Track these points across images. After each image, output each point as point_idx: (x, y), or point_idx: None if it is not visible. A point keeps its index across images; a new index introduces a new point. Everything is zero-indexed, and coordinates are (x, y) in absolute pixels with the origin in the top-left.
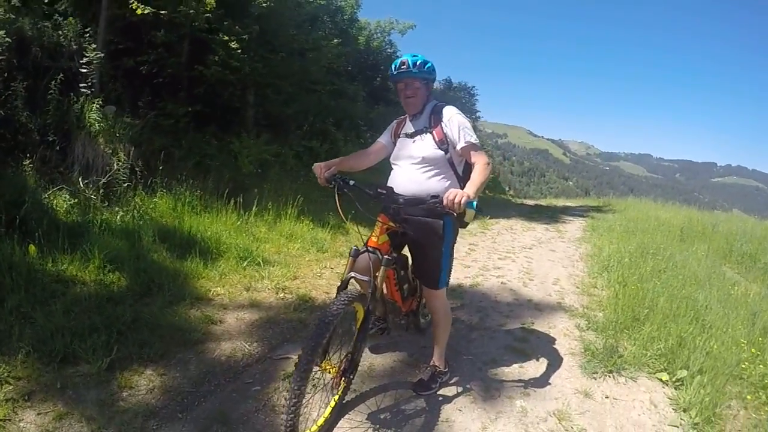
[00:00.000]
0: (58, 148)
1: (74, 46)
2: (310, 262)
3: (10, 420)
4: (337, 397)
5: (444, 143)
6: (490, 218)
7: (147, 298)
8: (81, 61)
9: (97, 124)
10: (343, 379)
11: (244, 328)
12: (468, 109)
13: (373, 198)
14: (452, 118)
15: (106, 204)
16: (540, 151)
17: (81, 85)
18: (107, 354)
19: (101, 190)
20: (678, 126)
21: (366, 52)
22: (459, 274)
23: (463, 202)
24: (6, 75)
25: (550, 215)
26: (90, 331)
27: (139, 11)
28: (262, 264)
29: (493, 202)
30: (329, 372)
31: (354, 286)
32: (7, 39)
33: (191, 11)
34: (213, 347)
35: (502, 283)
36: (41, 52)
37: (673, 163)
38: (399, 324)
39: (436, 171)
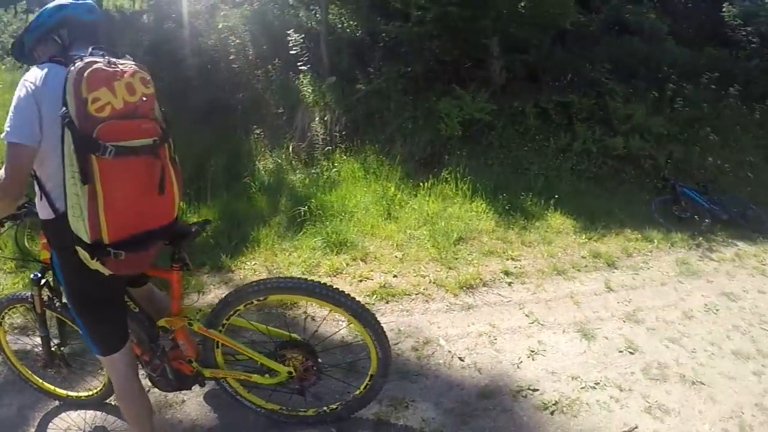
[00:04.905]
0: (284, 118)
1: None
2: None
3: None
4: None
5: None
6: None
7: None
8: (290, 44)
9: (311, 97)
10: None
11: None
12: None
13: None
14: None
15: (300, 166)
16: None
17: (298, 64)
18: None
19: (303, 154)
20: None
21: None
22: (577, 368)
23: None
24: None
25: None
26: None
27: None
28: (340, 247)
29: None
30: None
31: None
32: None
33: None
34: None
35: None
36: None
37: None
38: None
39: None
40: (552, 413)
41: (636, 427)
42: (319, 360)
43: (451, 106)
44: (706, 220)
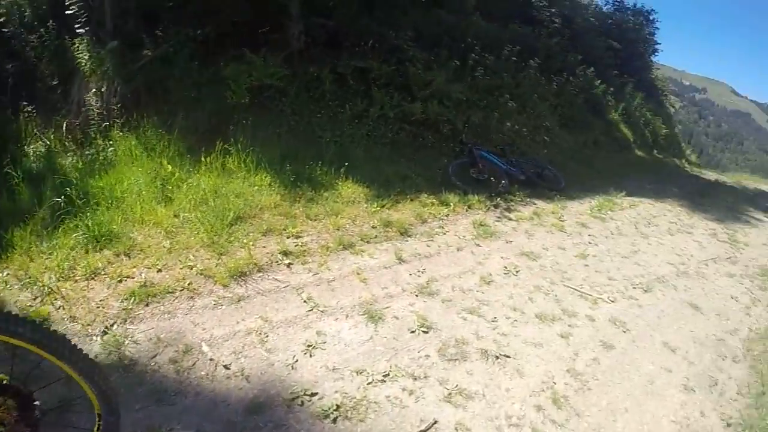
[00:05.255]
0: (59, 92)
1: None
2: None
3: None
4: None
5: None
6: (624, 195)
7: None
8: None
9: (87, 65)
10: None
11: None
12: (644, 38)
13: None
14: None
15: (74, 147)
16: (741, 114)
17: (75, 26)
18: None
19: (78, 133)
20: None
21: None
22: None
23: None
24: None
25: (729, 204)
26: None
27: None
28: (102, 241)
29: (656, 167)
30: None
31: None
32: None
33: None
34: None
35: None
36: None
37: None
38: None
39: None
40: (334, 420)
41: (435, 423)
42: (36, 402)
43: (240, 71)
44: (504, 182)
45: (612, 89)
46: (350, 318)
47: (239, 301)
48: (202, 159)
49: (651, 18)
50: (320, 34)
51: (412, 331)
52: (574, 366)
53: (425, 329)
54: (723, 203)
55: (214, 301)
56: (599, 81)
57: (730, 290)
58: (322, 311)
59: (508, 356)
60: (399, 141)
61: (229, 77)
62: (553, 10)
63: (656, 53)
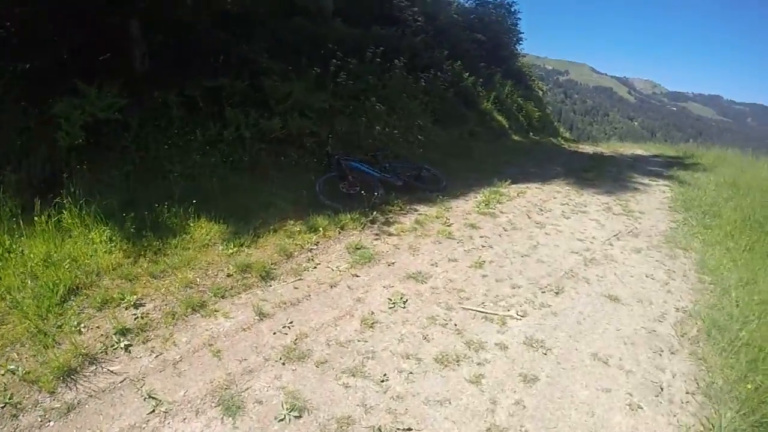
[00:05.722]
0: None
1: None
2: None
3: None
4: None
5: None
6: (509, 183)
7: None
8: None
9: None
10: None
11: None
12: (507, 29)
13: None
14: None
15: None
16: (604, 89)
17: None
18: None
19: None
20: (751, 67)
21: None
22: None
23: None
24: None
25: (614, 175)
26: None
27: None
28: None
29: (535, 149)
30: None
31: None
32: None
33: None
34: None
35: None
36: None
37: (745, 107)
38: None
39: None
40: None
41: None
42: None
43: (72, 107)
44: (377, 192)
45: (481, 80)
46: (201, 414)
47: (69, 411)
48: (36, 218)
49: (512, 9)
50: (167, 55)
51: (281, 419)
52: (494, 420)
53: (297, 412)
54: (608, 174)
55: (41, 416)
56: (468, 73)
57: (643, 268)
58: (165, 411)
59: (409, 429)
60: (259, 163)
61: (60, 115)
62: (416, 9)
63: (520, 42)
